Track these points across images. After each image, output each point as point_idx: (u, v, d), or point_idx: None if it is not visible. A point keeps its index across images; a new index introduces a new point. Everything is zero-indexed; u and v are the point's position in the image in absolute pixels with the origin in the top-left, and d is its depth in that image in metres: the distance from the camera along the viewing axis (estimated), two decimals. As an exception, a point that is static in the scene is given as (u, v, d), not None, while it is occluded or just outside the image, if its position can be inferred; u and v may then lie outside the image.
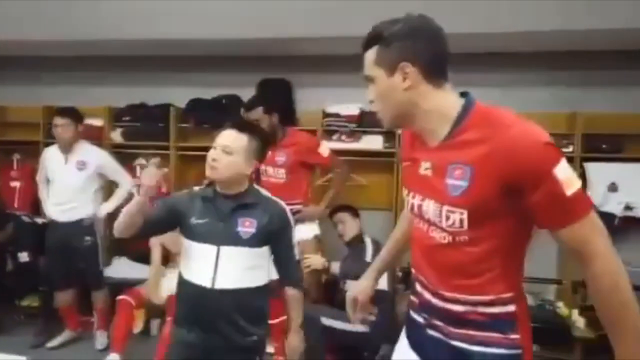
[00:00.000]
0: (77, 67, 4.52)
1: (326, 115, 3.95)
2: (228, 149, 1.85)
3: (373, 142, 3.89)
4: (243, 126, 1.94)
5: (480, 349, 1.20)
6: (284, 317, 3.33)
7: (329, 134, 3.95)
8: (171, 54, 4.22)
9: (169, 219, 1.92)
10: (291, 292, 2.06)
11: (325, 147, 3.34)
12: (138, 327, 3.66)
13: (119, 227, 1.85)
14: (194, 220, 1.89)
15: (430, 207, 1.22)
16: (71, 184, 3.47)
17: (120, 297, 3.32)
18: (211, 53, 4.17)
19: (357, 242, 3.22)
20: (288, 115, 3.77)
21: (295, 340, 2.06)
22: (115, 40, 3.76)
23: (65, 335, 3.68)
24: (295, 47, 3.83)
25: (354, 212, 3.34)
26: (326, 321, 2.95)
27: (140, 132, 4.24)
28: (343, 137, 3.93)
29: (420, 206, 1.27)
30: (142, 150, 4.25)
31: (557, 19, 3.05)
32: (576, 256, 1.12)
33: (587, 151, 3.54)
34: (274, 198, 2.02)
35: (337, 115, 3.93)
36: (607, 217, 3.45)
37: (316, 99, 4.03)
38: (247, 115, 3.18)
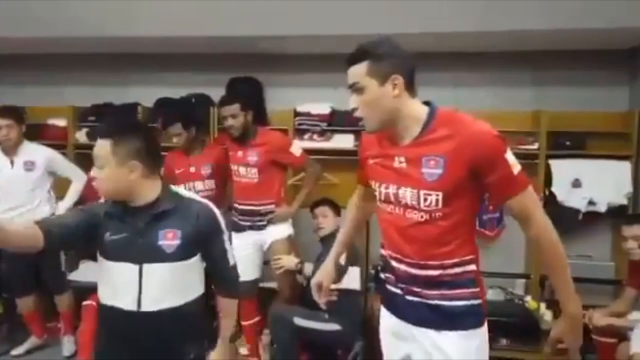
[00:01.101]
0: (39, 66, 4.39)
1: (297, 114, 3.94)
2: (98, 163, 1.62)
3: (344, 141, 3.89)
4: (104, 129, 1.66)
5: (454, 303, 1.50)
6: (257, 319, 3.33)
7: (300, 133, 3.94)
8: (139, 52, 4.13)
9: (86, 231, 1.64)
10: (226, 301, 1.85)
11: (297, 147, 3.33)
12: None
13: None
14: (108, 236, 1.64)
15: (407, 193, 1.48)
16: (22, 187, 3.31)
17: (87, 302, 3.22)
18: (180, 51, 4.11)
19: (331, 239, 3.20)
20: (260, 114, 3.75)
21: (218, 355, 1.81)
22: (80, 37, 3.65)
23: (30, 342, 3.56)
24: (266, 46, 3.80)
25: (337, 210, 3.32)
26: (299, 321, 2.94)
27: (107, 132, 4.13)
28: (314, 137, 3.92)
29: (396, 194, 1.51)
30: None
31: (523, 20, 3.12)
32: (521, 222, 1.45)
33: (552, 148, 3.61)
34: (200, 199, 1.76)
35: (308, 114, 3.92)
36: (571, 212, 3.54)
37: (287, 98, 4.01)
38: (221, 111, 3.17)
